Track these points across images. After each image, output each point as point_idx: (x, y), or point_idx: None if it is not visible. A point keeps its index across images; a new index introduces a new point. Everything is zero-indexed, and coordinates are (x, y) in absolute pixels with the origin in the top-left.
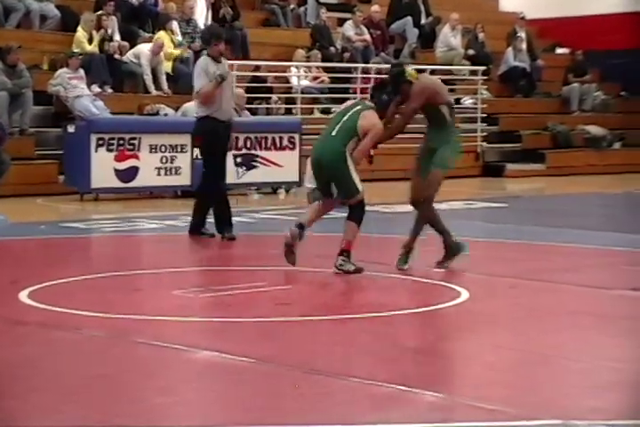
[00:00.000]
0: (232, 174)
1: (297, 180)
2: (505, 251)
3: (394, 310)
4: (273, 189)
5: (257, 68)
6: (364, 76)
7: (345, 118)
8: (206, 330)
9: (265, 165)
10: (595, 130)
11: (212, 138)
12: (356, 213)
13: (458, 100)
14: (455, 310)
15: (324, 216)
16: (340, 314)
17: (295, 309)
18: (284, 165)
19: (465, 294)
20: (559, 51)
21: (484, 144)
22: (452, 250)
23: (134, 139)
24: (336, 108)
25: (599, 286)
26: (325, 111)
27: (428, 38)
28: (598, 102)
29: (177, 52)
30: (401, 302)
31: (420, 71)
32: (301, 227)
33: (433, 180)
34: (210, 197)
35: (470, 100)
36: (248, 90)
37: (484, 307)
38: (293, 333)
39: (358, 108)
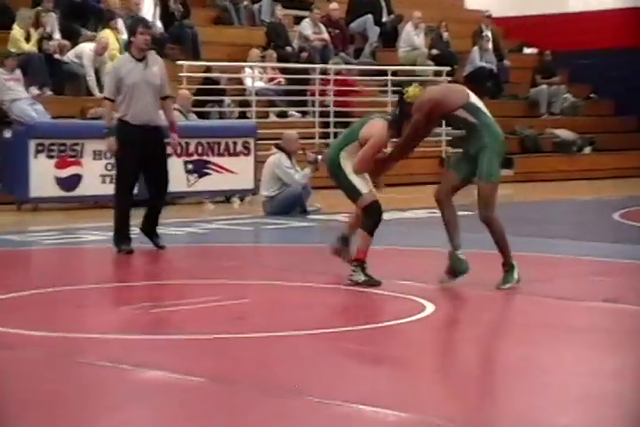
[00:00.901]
0: (182, 182)
1: (252, 187)
2: (471, 261)
3: (355, 325)
4: (226, 197)
5: (208, 69)
6: (323, 77)
7: (355, 124)
8: (155, 348)
9: (218, 171)
10: (564, 134)
11: (121, 142)
12: (367, 220)
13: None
14: (419, 325)
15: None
16: (297, 329)
17: (251, 324)
18: (238, 171)
19: (430, 308)
20: (526, 51)
21: (449, 149)
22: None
23: (77, 145)
24: (293, 112)
25: (570, 298)
26: (282, 115)
27: (389, 37)
28: (567, 105)
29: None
30: (362, 316)
31: (385, 73)
32: (345, 240)
33: (485, 196)
34: (122, 205)
35: None
36: (199, 92)
37: (450, 320)
38: (248, 349)
39: (373, 116)
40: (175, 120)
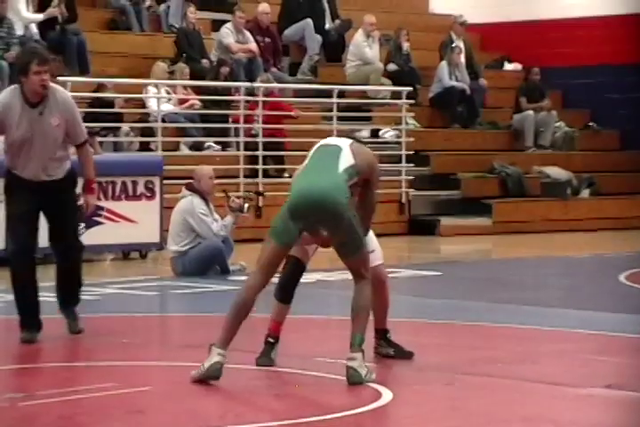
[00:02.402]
0: None
1: (157, 241)
2: (437, 335)
3: (285, 419)
4: (124, 253)
5: (100, 88)
6: (249, 98)
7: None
8: None
9: (113, 220)
10: (556, 173)
11: (7, 196)
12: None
13: (376, 132)
14: (372, 417)
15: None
16: (214, 425)
17: (152, 420)
18: (138, 220)
19: (387, 395)
20: (508, 67)
21: (411, 191)
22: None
23: None
24: (211, 143)
25: (562, 383)
26: (196, 147)
27: (334, 48)
28: (560, 136)
29: None
30: (298, 407)
31: (329, 95)
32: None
33: None
34: (15, 268)
35: (392, 133)
36: (88, 117)
37: (410, 412)
38: None
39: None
40: (94, 177)
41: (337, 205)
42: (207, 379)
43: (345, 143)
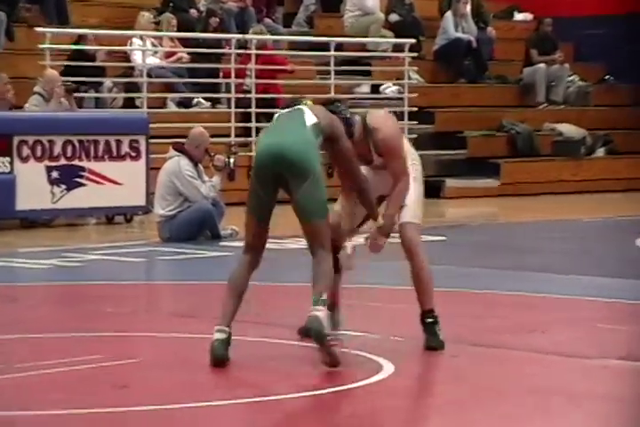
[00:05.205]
0: (45, 196)
1: (143, 204)
2: (441, 304)
3: (282, 394)
4: (108, 217)
5: (81, 39)
6: (241, 52)
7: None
8: None
9: (95, 182)
10: (569, 130)
11: None
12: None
13: (376, 88)
14: (373, 391)
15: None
16: (203, 400)
17: (139, 394)
18: (123, 182)
19: (388, 368)
20: (518, 17)
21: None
22: None
23: None
24: (200, 99)
25: (572, 354)
26: (184, 104)
27: None
28: (573, 91)
29: None
30: (294, 381)
31: (327, 48)
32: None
33: None
34: None
35: (393, 88)
36: (68, 71)
37: (414, 385)
38: None
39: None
40: None
41: (305, 157)
42: (214, 360)
43: (303, 106)
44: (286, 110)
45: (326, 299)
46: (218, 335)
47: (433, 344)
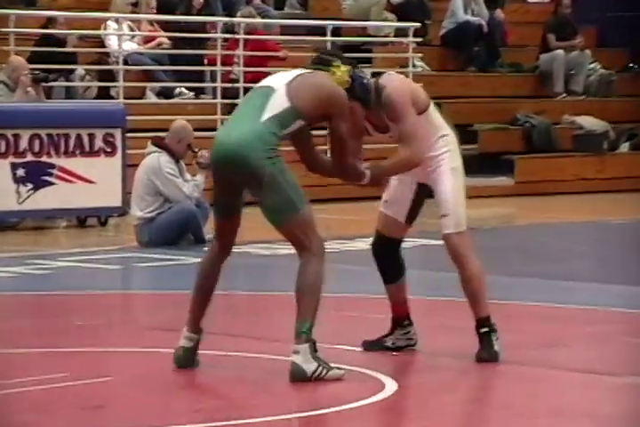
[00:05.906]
0: (10, 196)
1: (119, 205)
2: (452, 315)
3: (269, 415)
4: (80, 219)
5: (50, 23)
6: (228, 36)
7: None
8: None
9: (66, 180)
10: (590, 123)
11: None
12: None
13: (378, 75)
14: (373, 411)
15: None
16: (186, 423)
17: (113, 415)
18: (96, 180)
19: (391, 386)
20: None
21: None
22: None
23: None
24: (182, 89)
25: (597, 371)
26: (165, 94)
27: None
28: (595, 80)
29: None
30: (285, 401)
31: (322, 32)
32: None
33: None
34: None
35: None
36: (36, 57)
37: (419, 406)
38: None
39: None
40: None
41: (250, 160)
42: (177, 367)
43: (281, 82)
44: (262, 82)
45: (312, 323)
46: (183, 342)
47: (484, 356)
